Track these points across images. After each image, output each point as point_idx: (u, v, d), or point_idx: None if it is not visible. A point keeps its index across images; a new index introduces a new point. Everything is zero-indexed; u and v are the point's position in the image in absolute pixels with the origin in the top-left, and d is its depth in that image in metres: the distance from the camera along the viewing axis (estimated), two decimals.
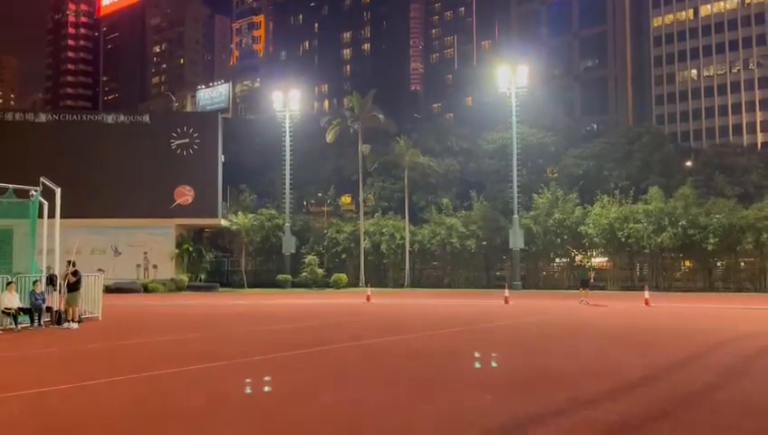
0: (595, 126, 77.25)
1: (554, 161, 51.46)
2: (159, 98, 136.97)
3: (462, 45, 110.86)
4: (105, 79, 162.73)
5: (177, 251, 41.59)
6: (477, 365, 9.56)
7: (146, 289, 38.11)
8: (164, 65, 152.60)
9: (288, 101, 45.68)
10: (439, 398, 7.85)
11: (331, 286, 40.53)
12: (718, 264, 36.64)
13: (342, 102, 74.12)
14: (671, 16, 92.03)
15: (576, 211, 38.49)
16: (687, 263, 37.90)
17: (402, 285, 41.42)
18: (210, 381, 9.21)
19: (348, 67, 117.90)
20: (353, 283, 41.38)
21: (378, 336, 14.70)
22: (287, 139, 44.68)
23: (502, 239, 39.65)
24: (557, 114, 60.07)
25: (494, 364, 9.68)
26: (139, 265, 41.07)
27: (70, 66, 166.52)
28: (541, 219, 39.03)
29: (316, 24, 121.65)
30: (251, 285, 43.14)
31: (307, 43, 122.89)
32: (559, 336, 14.77)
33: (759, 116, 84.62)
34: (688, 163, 56.28)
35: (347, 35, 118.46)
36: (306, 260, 42.15)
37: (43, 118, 42.17)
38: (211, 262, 44.21)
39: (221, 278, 44.88)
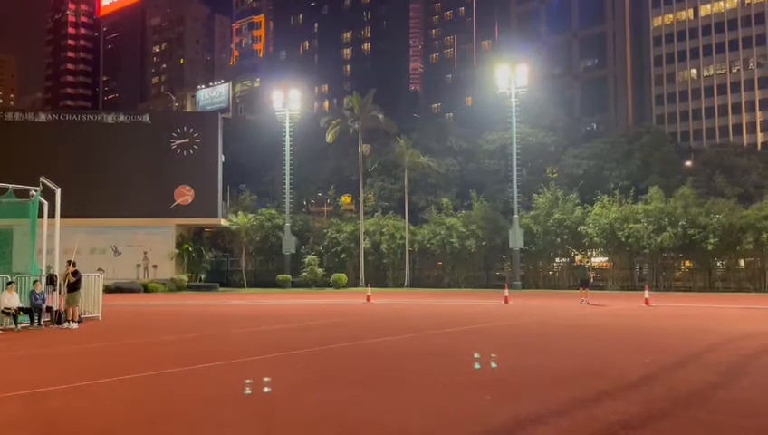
0: (595, 126, 77.28)
1: (554, 161, 51.48)
2: (159, 98, 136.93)
3: (462, 45, 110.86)
4: (105, 79, 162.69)
5: (176, 251, 41.62)
6: (477, 365, 9.56)
7: (146, 289, 38.12)
8: (164, 65, 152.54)
9: (288, 101, 45.71)
10: (439, 398, 7.85)
11: (331, 286, 40.54)
12: (718, 264, 36.64)
13: (342, 102, 73.91)
14: (671, 16, 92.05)
15: (576, 211, 38.50)
16: (687, 263, 37.89)
17: (402, 285, 41.43)
18: (210, 380, 9.21)
19: (348, 67, 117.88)
20: (353, 283, 41.39)
21: (378, 336, 14.70)
22: (287, 139, 44.69)
23: (502, 239, 39.66)
24: (557, 114, 60.07)
25: (493, 364, 9.68)
26: (138, 265, 41.09)
27: (70, 66, 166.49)
28: (541, 219, 39.03)
29: (316, 24, 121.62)
30: (251, 285, 43.17)
31: (307, 43, 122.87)
32: (559, 336, 14.77)
33: (759, 116, 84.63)
34: (688, 163, 56.29)
35: (347, 35, 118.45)
36: (306, 260, 42.18)
37: (42, 118, 42.18)
38: (211, 262, 44.23)
39: (221, 278, 44.89)
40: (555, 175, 49.42)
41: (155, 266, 41.14)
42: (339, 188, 56.96)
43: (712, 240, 33.94)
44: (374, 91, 46.99)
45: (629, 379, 8.82)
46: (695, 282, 36.04)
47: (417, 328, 16.25)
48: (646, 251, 36.10)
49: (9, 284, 16.74)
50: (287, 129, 44.80)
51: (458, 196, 49.34)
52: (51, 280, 18.22)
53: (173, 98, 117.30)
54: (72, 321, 17.26)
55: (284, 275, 41.83)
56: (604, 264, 39.41)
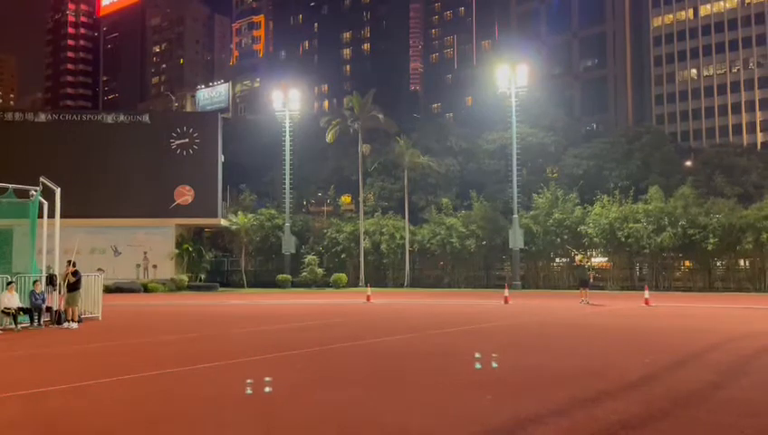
0: (595, 126, 77.30)
1: (554, 161, 51.48)
2: (159, 98, 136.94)
3: (462, 45, 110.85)
4: (105, 79, 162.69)
5: (176, 251, 41.62)
6: (477, 365, 9.56)
7: (146, 289, 38.12)
8: (164, 65, 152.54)
9: (288, 101, 45.69)
10: (439, 398, 7.86)
11: (331, 286, 40.55)
12: (718, 264, 36.63)
13: (342, 102, 73.98)
14: (671, 16, 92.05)
15: (576, 211, 38.49)
16: (687, 263, 37.88)
17: (402, 285, 41.43)
18: (210, 380, 9.22)
19: (348, 67, 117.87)
20: (353, 283, 41.39)
21: (378, 336, 14.70)
22: (287, 138, 44.68)
23: (502, 239, 39.66)
24: (557, 114, 60.08)
25: (494, 364, 9.68)
26: (138, 265, 41.09)
27: (70, 66, 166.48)
28: (540, 219, 39.03)
29: (316, 24, 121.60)
30: (251, 285, 43.16)
31: (307, 43, 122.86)
32: (559, 336, 14.77)
33: (759, 116, 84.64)
34: (688, 163, 56.29)
35: (347, 35, 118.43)
36: (306, 260, 42.17)
37: (42, 118, 42.17)
38: (211, 262, 44.22)
39: (221, 278, 44.89)
40: (555, 175, 49.43)
41: (155, 266, 41.13)
42: (339, 188, 56.97)
43: (712, 240, 33.94)
44: (374, 91, 46.98)
45: (629, 379, 8.82)
46: (694, 282, 36.04)
47: (417, 328, 16.25)
48: (646, 251, 36.09)
49: (9, 284, 16.74)
50: (287, 129, 44.79)
51: (458, 196, 49.34)
52: (51, 280, 18.23)
53: (173, 98, 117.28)
54: (72, 321, 17.26)
55: (284, 275, 41.83)
56: (604, 264, 39.40)
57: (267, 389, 7.93)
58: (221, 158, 42.42)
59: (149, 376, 9.56)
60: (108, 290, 27.59)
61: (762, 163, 50.82)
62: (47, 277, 18.30)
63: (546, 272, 40.41)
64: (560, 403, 7.31)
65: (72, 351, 12.99)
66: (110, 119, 42.79)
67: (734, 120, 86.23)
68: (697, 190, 40.02)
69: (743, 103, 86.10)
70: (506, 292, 27.12)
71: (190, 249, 42.04)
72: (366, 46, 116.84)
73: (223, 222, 43.23)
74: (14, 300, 16.58)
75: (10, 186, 18.46)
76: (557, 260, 40.66)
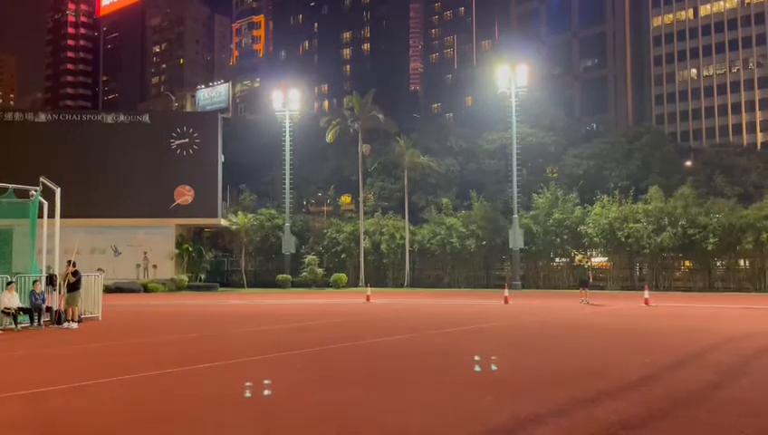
0: (595, 126, 77.33)
1: (554, 161, 51.50)
2: (159, 98, 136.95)
3: (462, 45, 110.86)
4: (105, 79, 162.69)
5: (176, 251, 41.62)
6: (477, 365, 9.56)
7: (146, 289, 38.12)
8: (164, 65, 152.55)
9: (288, 101, 45.70)
10: (439, 398, 7.86)
11: (331, 286, 40.55)
12: (718, 264, 36.64)
13: (342, 102, 73.97)
14: (671, 16, 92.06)
15: (576, 211, 38.50)
16: (687, 263, 37.89)
17: (402, 285, 41.43)
18: (210, 380, 9.22)
19: (348, 67, 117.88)
20: (353, 283, 41.39)
21: (378, 336, 14.70)
22: (287, 138, 44.68)
23: (502, 239, 39.66)
24: (557, 114, 60.09)
25: (494, 367, 9.68)
26: (138, 265, 41.09)
27: (70, 66, 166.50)
28: (540, 219, 39.03)
29: (316, 24, 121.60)
30: (251, 285, 43.16)
31: (307, 43, 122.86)
32: (559, 336, 14.77)
33: (759, 116, 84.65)
34: (688, 163, 56.30)
35: (347, 35, 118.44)
36: (306, 260, 42.18)
37: (42, 118, 42.17)
38: (211, 262, 44.22)
39: (221, 278, 44.90)
40: (555, 175, 49.44)
41: (155, 266, 41.13)
42: (339, 188, 56.97)
43: (712, 240, 33.95)
44: (374, 91, 46.99)
45: (629, 379, 8.82)
46: (694, 282, 36.04)
47: (417, 328, 16.25)
48: (646, 251, 36.10)
49: (9, 284, 16.74)
50: (287, 129, 44.80)
51: (458, 196, 49.35)
52: (51, 280, 18.23)
53: (173, 98, 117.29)
54: (72, 321, 17.26)
55: (284, 275, 41.83)
56: (604, 264, 39.42)
57: (267, 389, 7.93)
58: (221, 158, 42.42)
59: (149, 376, 9.56)
60: (108, 290, 27.59)
61: (762, 163, 50.82)
62: (47, 277, 18.30)
63: (546, 272, 40.42)
64: (560, 403, 7.31)
65: (72, 351, 12.99)
66: (110, 119, 42.79)
67: (734, 120, 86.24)
68: (697, 190, 40.03)
69: (743, 103, 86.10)
70: (506, 292, 27.13)
71: (190, 249, 42.04)
72: (366, 46, 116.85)
73: (223, 222, 43.23)
74: (14, 300, 16.58)
75: (10, 186, 18.46)
76: (557, 260, 40.67)
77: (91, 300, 19.26)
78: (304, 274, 41.62)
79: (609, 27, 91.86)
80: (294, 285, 41.46)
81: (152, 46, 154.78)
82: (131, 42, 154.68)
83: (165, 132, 41.95)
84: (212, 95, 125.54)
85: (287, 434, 6.42)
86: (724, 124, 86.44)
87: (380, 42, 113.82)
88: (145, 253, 41.26)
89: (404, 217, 43.61)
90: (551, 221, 38.58)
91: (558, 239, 38.49)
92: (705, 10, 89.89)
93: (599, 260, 39.39)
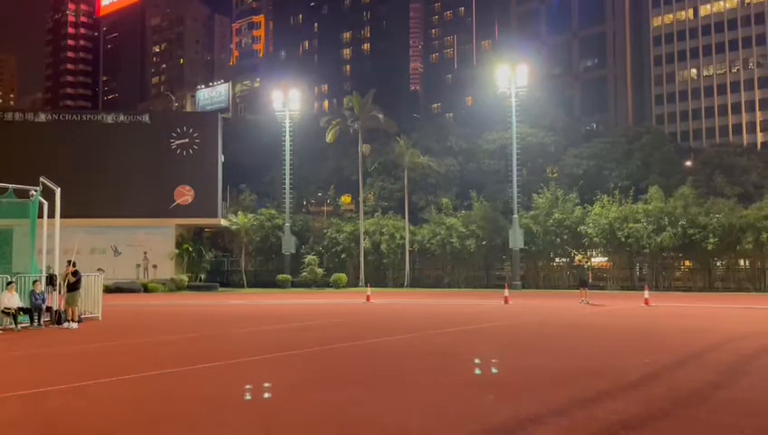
0: (595, 126, 77.36)
1: (554, 161, 51.50)
2: (159, 98, 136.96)
3: (462, 45, 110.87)
4: (105, 79, 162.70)
5: (176, 251, 41.63)
6: (477, 365, 9.56)
7: (146, 289, 38.12)
8: (164, 65, 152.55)
9: (288, 101, 45.70)
10: (439, 398, 7.86)
11: (331, 286, 40.55)
12: (718, 263, 36.65)
13: (342, 102, 73.96)
14: (671, 16, 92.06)
15: (576, 211, 38.51)
16: (687, 263, 37.91)
17: (402, 285, 41.44)
18: (210, 380, 9.21)
19: (348, 67, 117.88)
20: (353, 283, 41.40)
21: (378, 336, 14.70)
22: (287, 139, 44.69)
23: (502, 239, 39.67)
24: (557, 114, 60.10)
25: (493, 364, 9.68)
26: (138, 265, 41.09)
27: (70, 66, 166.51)
28: (540, 219, 39.04)
29: (316, 24, 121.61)
30: (251, 285, 43.17)
31: (307, 43, 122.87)
32: (559, 336, 14.77)
33: (759, 116, 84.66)
34: (688, 163, 56.32)
35: (347, 35, 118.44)
36: (306, 260, 42.18)
37: (42, 118, 42.17)
38: (211, 262, 44.23)
39: (221, 278, 44.91)
40: (555, 175, 49.44)
41: (155, 266, 41.14)
42: (339, 188, 56.98)
43: (712, 240, 33.95)
44: (374, 91, 46.99)
45: (629, 379, 8.82)
46: (694, 282, 36.05)
47: (417, 328, 16.25)
48: (646, 251, 36.11)
49: (9, 284, 16.74)
50: (287, 129, 44.80)
51: (458, 196, 49.35)
52: (51, 280, 18.22)
53: (173, 98, 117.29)
54: (72, 321, 17.25)
55: (284, 275, 41.83)
56: (604, 264, 39.42)
57: (267, 389, 7.93)
58: (221, 158, 42.42)
59: (149, 376, 9.56)
60: (108, 290, 27.59)
61: (762, 163, 50.84)
62: (47, 277, 18.30)
63: (546, 272, 40.43)
64: (560, 403, 7.31)
65: (72, 351, 12.99)
66: (110, 119, 42.79)
67: (734, 120, 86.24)
68: (697, 190, 40.04)
69: (743, 103, 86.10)
70: (506, 292, 27.13)
71: (190, 249, 42.04)
72: (366, 46, 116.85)
73: (223, 222, 43.23)
74: (14, 300, 16.58)
75: (10, 186, 18.46)
76: (557, 260, 40.68)
77: (91, 300, 19.26)
78: (304, 274, 41.62)
79: (609, 27, 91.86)
80: (294, 285, 41.46)
81: (152, 46, 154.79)
82: (131, 42, 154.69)
83: (165, 132, 41.96)
84: (212, 95, 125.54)
85: (287, 434, 6.42)
86: (724, 124, 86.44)
87: (380, 42, 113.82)
88: (145, 253, 41.26)
89: (404, 217, 43.61)
90: (551, 221, 38.58)
91: (558, 239, 38.49)
92: (705, 10, 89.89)
93: (599, 260, 39.40)
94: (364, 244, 42.06)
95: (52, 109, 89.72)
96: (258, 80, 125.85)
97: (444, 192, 49.59)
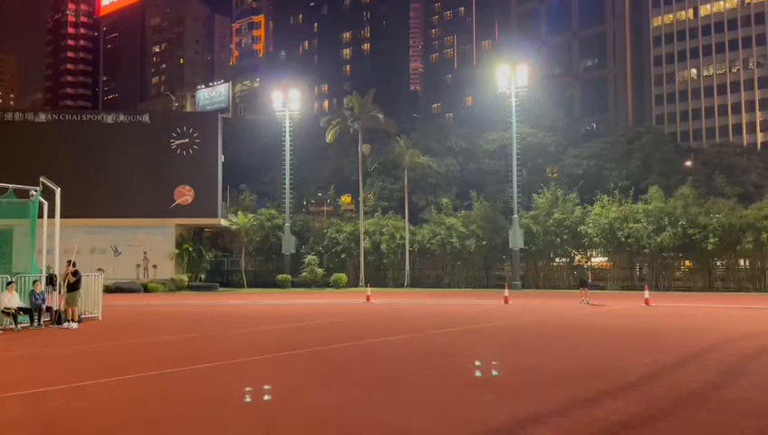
0: (595, 126, 77.36)
1: (554, 161, 51.51)
2: (159, 98, 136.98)
3: (462, 45, 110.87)
4: (105, 79, 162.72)
5: (176, 251, 41.63)
6: (477, 365, 9.56)
7: (146, 289, 38.12)
8: (164, 65, 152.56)
9: (288, 101, 45.71)
10: (439, 398, 7.86)
11: (331, 286, 40.55)
12: (718, 263, 36.65)
13: (342, 102, 73.97)
14: (671, 16, 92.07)
15: (576, 211, 38.51)
16: (687, 263, 37.91)
17: (402, 285, 41.44)
18: (210, 380, 9.21)
19: (348, 67, 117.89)
20: (353, 283, 41.40)
21: (378, 336, 14.70)
22: (287, 139, 44.69)
23: (502, 239, 39.67)
24: (557, 114, 60.11)
25: (494, 364, 9.68)
26: (138, 265, 41.09)
27: (70, 66, 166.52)
28: (540, 219, 39.04)
29: (316, 24, 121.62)
30: (251, 285, 43.17)
31: (307, 43, 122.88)
32: (559, 336, 14.77)
33: (759, 116, 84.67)
34: (688, 163, 56.33)
35: (347, 35, 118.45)
36: (306, 260, 42.19)
37: (42, 118, 42.17)
38: (211, 262, 44.23)
39: (221, 278, 44.91)
40: (555, 175, 49.45)
41: (155, 266, 41.14)
42: (339, 188, 56.99)
43: (712, 240, 33.95)
44: (374, 91, 47.00)
45: (629, 379, 8.82)
46: (695, 282, 36.05)
47: (417, 328, 16.25)
48: (646, 251, 36.11)
49: (9, 284, 16.74)
50: (287, 129, 44.80)
51: (458, 196, 49.36)
52: (51, 280, 18.22)
53: (173, 98, 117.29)
54: (72, 321, 17.25)
55: (284, 275, 41.83)
56: (604, 264, 39.42)
57: (267, 389, 7.93)
58: (221, 158, 42.43)
59: (149, 376, 9.56)
60: (108, 290, 27.60)
61: (762, 163, 50.85)
62: (47, 277, 18.30)
63: (546, 272, 40.43)
64: (560, 403, 7.31)
65: (72, 351, 12.99)
66: (110, 119, 42.79)
67: (734, 120, 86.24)
68: (697, 190, 40.04)
69: (743, 103, 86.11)
70: (506, 292, 27.13)
71: (190, 249, 42.05)
72: (366, 46, 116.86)
73: (223, 222, 43.23)
74: (14, 300, 16.58)
75: (10, 186, 18.46)
76: (557, 260, 40.68)
77: (91, 300, 19.26)
78: (304, 274, 41.62)
79: (609, 27, 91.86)
80: (294, 285, 41.46)
81: (152, 46, 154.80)
82: (131, 42, 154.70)
83: (165, 132, 41.96)
84: (212, 95, 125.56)
85: (287, 434, 6.42)
86: (724, 124, 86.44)
87: (380, 42, 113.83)
88: (145, 253, 41.26)
89: (404, 217, 43.62)
90: (551, 221, 38.59)
91: (558, 239, 38.49)
92: (705, 10, 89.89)
93: (599, 260, 39.40)
94: (364, 244, 42.07)
95: (52, 109, 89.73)
96: (258, 80, 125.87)
97: (444, 192, 49.59)
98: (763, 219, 33.25)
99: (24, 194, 18.66)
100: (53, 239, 19.25)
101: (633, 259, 38.07)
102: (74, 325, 17.09)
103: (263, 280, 44.17)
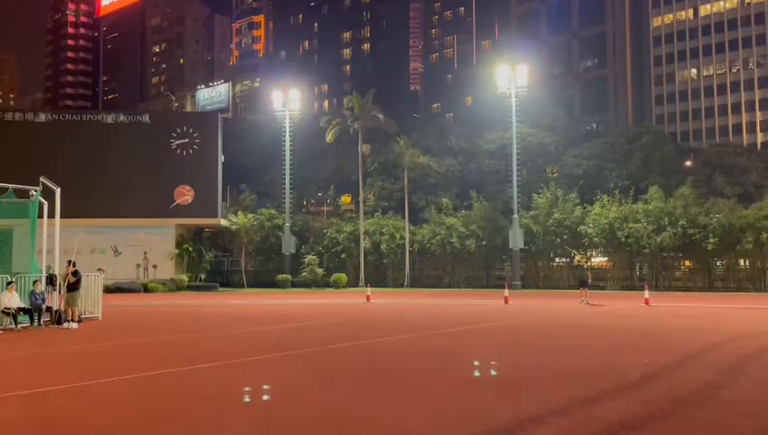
0: (595, 126, 77.37)
1: (554, 161, 51.52)
2: (159, 98, 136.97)
3: (462, 45, 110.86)
4: (105, 79, 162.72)
5: (176, 251, 41.63)
6: (477, 365, 9.56)
7: (146, 289, 38.13)
8: (164, 65, 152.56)
9: (288, 101, 45.71)
10: (439, 398, 7.86)
11: (331, 286, 40.55)
12: (718, 263, 36.66)
13: (342, 102, 73.97)
14: (671, 16, 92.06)
15: (576, 211, 38.52)
16: (687, 263, 37.92)
17: (402, 285, 41.44)
18: (210, 380, 9.21)
19: (348, 67, 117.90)
20: (353, 283, 41.40)
21: (378, 336, 14.70)
22: (287, 139, 44.70)
23: (502, 239, 39.67)
24: (557, 114, 60.13)
25: (493, 364, 9.68)
26: (138, 265, 41.09)
27: (70, 66, 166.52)
28: (540, 219, 39.05)
29: (316, 24, 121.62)
30: (251, 285, 43.17)
31: (307, 43, 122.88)
32: (559, 336, 14.77)
33: (759, 116, 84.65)
34: (688, 163, 56.34)
35: (347, 35, 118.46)
36: (306, 260, 42.19)
37: (42, 118, 42.17)
38: (211, 262, 44.23)
39: (221, 278, 44.91)
40: (555, 175, 49.46)
41: (155, 266, 41.14)
42: (339, 188, 56.99)
43: (712, 240, 33.96)
44: (374, 91, 47.00)
45: (629, 379, 8.82)
46: (695, 282, 36.06)
47: (417, 328, 16.25)
48: (646, 251, 36.11)
49: (9, 284, 16.74)
50: (287, 129, 44.81)
51: (458, 196, 49.37)
52: (51, 280, 18.22)
53: (173, 98, 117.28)
54: (72, 321, 17.25)
55: (284, 275, 41.84)
56: (604, 264, 39.42)
57: (267, 389, 7.93)
58: (221, 158, 42.43)
59: (149, 376, 9.56)
60: (108, 290, 27.59)
61: (762, 163, 50.86)
62: (47, 277, 18.29)
63: (546, 272, 40.43)
64: (560, 403, 7.31)
65: (72, 351, 12.99)
66: (110, 119, 42.79)
67: (734, 120, 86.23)
68: (697, 190, 40.05)
69: (743, 103, 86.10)
70: (506, 292, 27.13)
71: (190, 249, 42.05)
72: (366, 46, 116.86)
73: (223, 222, 43.23)
74: (14, 300, 16.58)
75: (10, 186, 18.45)
76: (557, 260, 40.69)
77: (91, 300, 19.26)
78: (304, 274, 41.62)
79: (609, 27, 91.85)
80: (294, 285, 41.46)
81: (152, 46, 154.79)
82: (131, 42, 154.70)
83: (165, 132, 41.96)
84: (212, 95, 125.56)
85: (287, 434, 6.42)
86: (724, 124, 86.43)
87: (380, 42, 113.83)
88: (145, 253, 41.27)
89: (404, 217, 43.62)
90: (551, 221, 38.59)
91: (558, 239, 38.50)
92: (705, 10, 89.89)
93: (599, 260, 39.40)
94: (364, 244, 42.07)
95: (52, 109, 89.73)
96: (258, 80, 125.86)
97: (444, 192, 49.60)
98: (763, 219, 33.25)
99: (24, 194, 18.66)
100: (53, 239, 19.25)
101: (633, 259, 38.07)
102: (74, 325, 17.09)
103: (263, 280, 44.18)
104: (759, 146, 77.72)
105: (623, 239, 36.18)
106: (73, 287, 17.53)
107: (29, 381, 9.14)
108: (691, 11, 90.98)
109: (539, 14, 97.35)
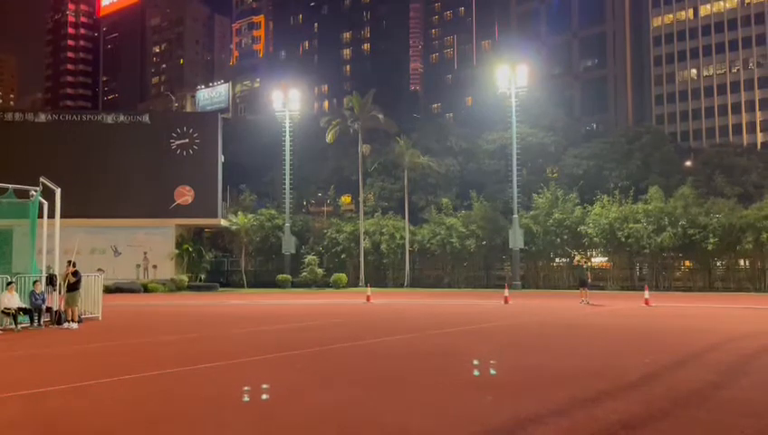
0: (595, 126, 77.37)
1: (554, 161, 51.53)
2: (159, 98, 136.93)
3: (462, 45, 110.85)
4: (105, 79, 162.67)
5: (176, 251, 41.63)
6: (477, 365, 9.56)
7: (146, 289, 38.12)
8: (164, 65, 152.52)
9: (288, 101, 45.72)
10: (439, 398, 7.86)
11: (331, 286, 40.55)
12: (718, 263, 36.65)
13: (342, 102, 73.95)
14: (671, 16, 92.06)
15: (576, 211, 38.52)
16: (687, 263, 37.91)
17: (402, 285, 41.44)
18: (210, 380, 9.21)
19: (348, 67, 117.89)
20: (353, 283, 41.40)
21: (378, 336, 14.70)
22: (287, 139, 44.70)
23: (502, 239, 39.68)
24: (557, 114, 60.14)
25: (493, 365, 9.68)
26: (138, 266, 41.09)
27: (70, 66, 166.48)
28: (540, 219, 39.05)
29: (316, 24, 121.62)
30: (251, 285, 43.17)
31: (307, 43, 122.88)
32: (559, 336, 14.77)
33: (759, 116, 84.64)
34: (688, 163, 56.34)
35: (347, 35, 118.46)
36: (306, 260, 42.18)
37: (42, 118, 42.17)
38: (211, 262, 44.23)
39: (221, 278, 44.91)
40: (555, 175, 49.47)
41: (155, 267, 41.14)
42: (339, 188, 57.00)
43: (712, 240, 33.96)
44: (374, 91, 46.99)
45: (629, 379, 8.82)
46: (695, 282, 36.05)
47: (417, 328, 16.25)
48: (646, 251, 36.11)
49: (9, 284, 16.74)
50: (287, 129, 44.81)
51: (458, 196, 49.37)
52: (51, 280, 18.22)
53: (173, 98, 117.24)
54: (72, 321, 17.25)
55: (284, 276, 41.84)
56: (604, 264, 39.42)
57: (267, 389, 7.93)
58: (221, 158, 42.43)
59: (150, 376, 9.56)
60: (108, 290, 27.60)
61: (762, 163, 50.86)
62: (47, 277, 18.29)
63: (546, 272, 40.43)
64: (560, 403, 7.31)
65: (71, 351, 12.99)
66: (110, 119, 42.79)
67: (734, 120, 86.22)
68: (697, 190, 40.05)
69: (743, 103, 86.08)
70: (506, 292, 27.14)
71: (190, 249, 42.05)
72: (366, 46, 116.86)
73: (223, 222, 43.23)
74: (14, 300, 16.58)
75: (10, 186, 18.46)
76: (557, 260, 40.69)
77: (91, 300, 19.26)
78: (304, 274, 41.62)
79: (609, 27, 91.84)
80: (294, 285, 41.46)
81: (152, 46, 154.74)
82: (131, 42, 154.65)
83: (165, 132, 41.97)
84: (212, 95, 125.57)
85: (287, 434, 6.42)
86: (724, 124, 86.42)
87: (380, 42, 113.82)
88: (145, 253, 41.27)
89: (404, 217, 43.62)
90: (551, 221, 38.59)
91: (558, 239, 38.50)
92: (705, 10, 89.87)
93: (599, 260, 39.40)
94: (364, 244, 42.07)
95: (52, 109, 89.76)
96: (258, 80, 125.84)
97: (444, 192, 49.61)
98: (763, 219, 33.25)
99: (24, 194, 18.67)
100: (53, 239, 19.25)
101: (633, 259, 38.07)
102: (74, 325, 17.09)
103: (263, 280, 44.17)
104: (759, 146, 77.71)
105: (623, 239, 36.18)
106: (73, 287, 17.53)
107: (29, 382, 9.14)
108: (691, 11, 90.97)
109: (539, 14, 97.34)
